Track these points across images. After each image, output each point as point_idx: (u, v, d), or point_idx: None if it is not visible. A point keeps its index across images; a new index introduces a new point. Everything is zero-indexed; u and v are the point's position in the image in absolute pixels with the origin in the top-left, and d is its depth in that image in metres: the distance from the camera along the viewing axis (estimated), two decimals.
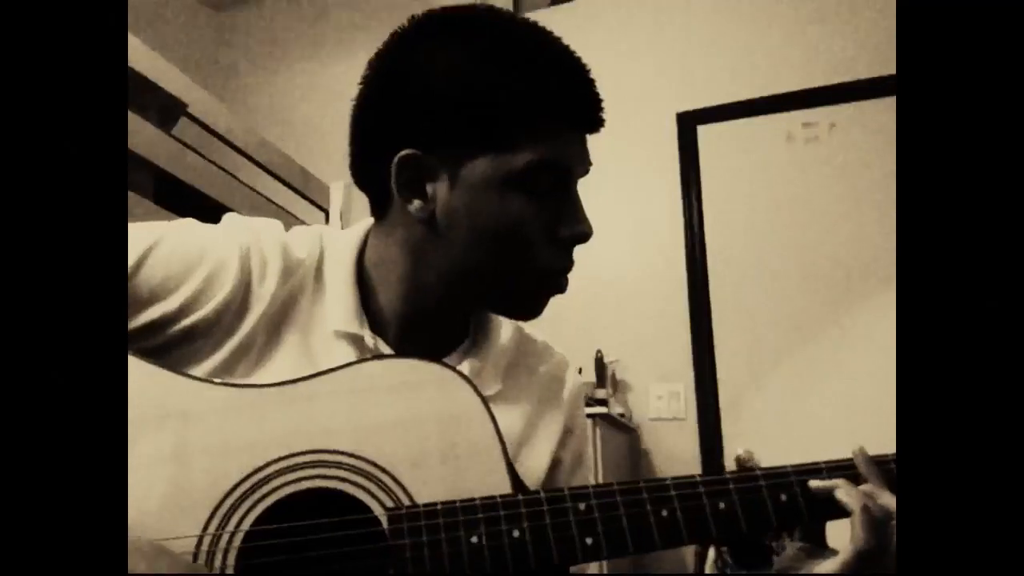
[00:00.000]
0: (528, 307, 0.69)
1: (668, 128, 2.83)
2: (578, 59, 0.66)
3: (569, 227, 0.66)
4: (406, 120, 0.64)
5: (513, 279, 0.67)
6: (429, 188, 0.64)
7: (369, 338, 0.67)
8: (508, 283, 0.67)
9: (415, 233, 0.66)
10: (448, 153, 0.63)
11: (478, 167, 0.63)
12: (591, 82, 0.66)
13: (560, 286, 0.68)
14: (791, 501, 0.58)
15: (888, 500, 0.57)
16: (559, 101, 0.64)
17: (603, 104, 0.66)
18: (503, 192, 0.63)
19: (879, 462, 0.59)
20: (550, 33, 0.66)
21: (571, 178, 0.67)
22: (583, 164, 0.68)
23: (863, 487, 0.58)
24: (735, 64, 2.81)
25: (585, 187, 0.68)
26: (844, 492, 0.57)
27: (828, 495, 0.58)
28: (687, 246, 2.73)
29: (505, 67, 0.63)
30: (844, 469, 0.59)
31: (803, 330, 2.55)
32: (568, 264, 0.68)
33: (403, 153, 0.63)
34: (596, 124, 0.67)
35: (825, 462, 0.60)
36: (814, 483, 0.58)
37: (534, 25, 0.66)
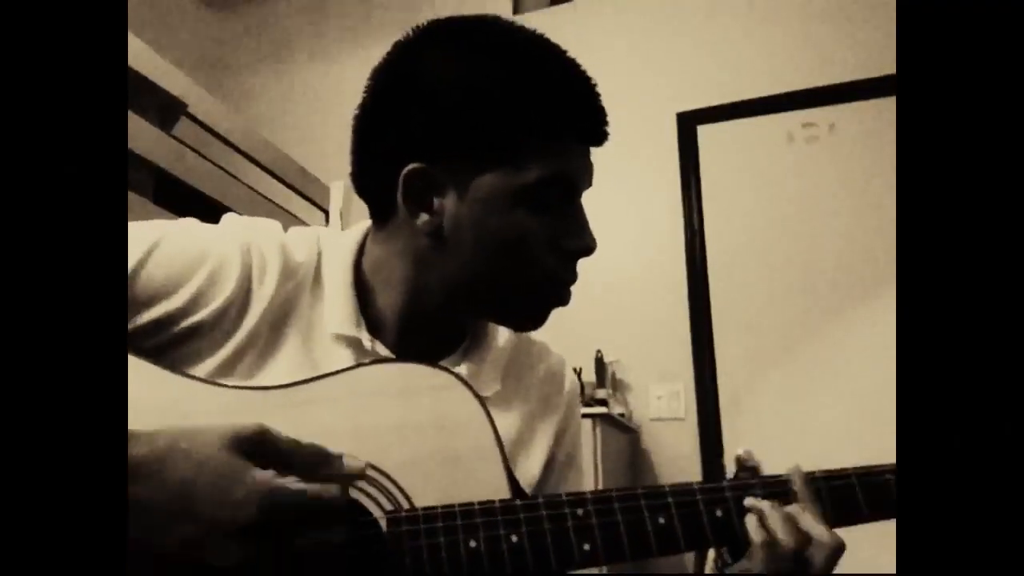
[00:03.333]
0: (530, 318, 0.69)
1: (668, 128, 2.83)
2: (584, 72, 0.66)
3: (574, 240, 0.66)
4: (413, 134, 0.64)
5: (516, 291, 0.67)
6: (436, 202, 0.64)
7: (367, 341, 0.67)
8: (511, 295, 0.67)
9: (419, 243, 0.66)
10: (456, 168, 0.63)
11: (487, 182, 0.63)
12: (597, 96, 0.66)
13: (563, 298, 0.68)
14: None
15: (809, 524, 0.57)
16: (568, 117, 0.64)
17: (608, 119, 0.66)
18: (511, 207, 0.63)
19: (811, 480, 0.60)
20: (556, 45, 0.67)
21: (576, 192, 0.67)
22: (588, 178, 0.68)
23: (790, 508, 0.58)
24: (735, 64, 2.81)
25: None
26: (752, 520, 0.58)
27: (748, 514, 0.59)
28: (687, 246, 2.72)
29: (515, 82, 0.63)
30: (776, 486, 0.60)
31: (803, 330, 2.55)
32: (572, 277, 0.68)
33: (411, 167, 0.63)
34: (602, 138, 0.67)
35: (759, 478, 0.61)
36: (748, 501, 0.59)
37: (540, 37, 0.67)
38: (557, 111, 0.63)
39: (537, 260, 0.65)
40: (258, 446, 0.49)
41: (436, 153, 0.63)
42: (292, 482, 0.49)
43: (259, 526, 0.46)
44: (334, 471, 0.52)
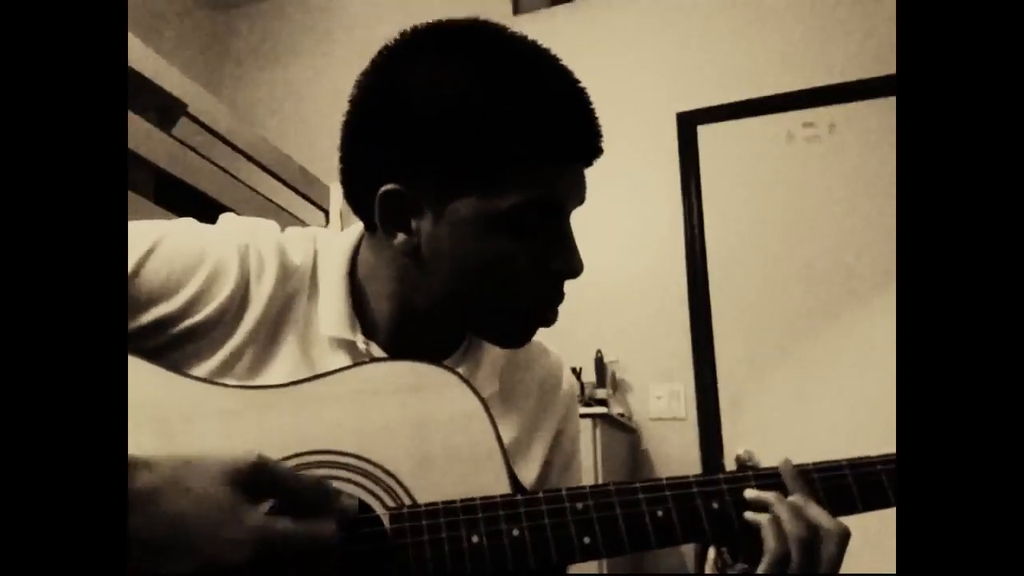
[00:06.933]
0: (513, 338, 0.69)
1: (668, 128, 2.83)
2: (576, 85, 0.63)
3: (559, 263, 0.64)
4: (389, 153, 0.62)
5: (499, 312, 0.66)
6: (413, 223, 0.63)
7: (362, 343, 0.67)
8: (493, 315, 0.66)
9: (401, 260, 0.66)
10: (432, 190, 0.62)
11: (462, 206, 0.61)
12: (590, 111, 0.63)
13: (548, 320, 0.67)
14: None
15: (816, 514, 0.57)
16: (554, 138, 0.61)
17: (601, 134, 0.63)
18: (488, 232, 0.61)
19: (803, 472, 0.60)
20: (548, 55, 0.64)
21: (562, 213, 0.65)
22: (577, 197, 0.65)
23: (791, 499, 0.58)
24: (735, 64, 2.81)
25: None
26: (758, 513, 0.57)
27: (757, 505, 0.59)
28: (687, 246, 2.72)
29: (497, 100, 0.60)
30: (770, 479, 0.60)
31: (803, 330, 2.55)
32: (558, 298, 0.67)
33: (386, 188, 0.62)
34: (593, 156, 0.64)
35: (753, 471, 0.60)
36: (749, 493, 0.59)
37: (531, 47, 0.64)
38: (543, 132, 0.61)
39: (520, 283, 0.63)
40: (256, 479, 0.49)
41: (414, 172, 0.62)
42: (287, 522, 0.49)
43: (252, 566, 0.47)
44: (331, 507, 0.52)
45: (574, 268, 0.65)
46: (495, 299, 0.65)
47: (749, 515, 0.58)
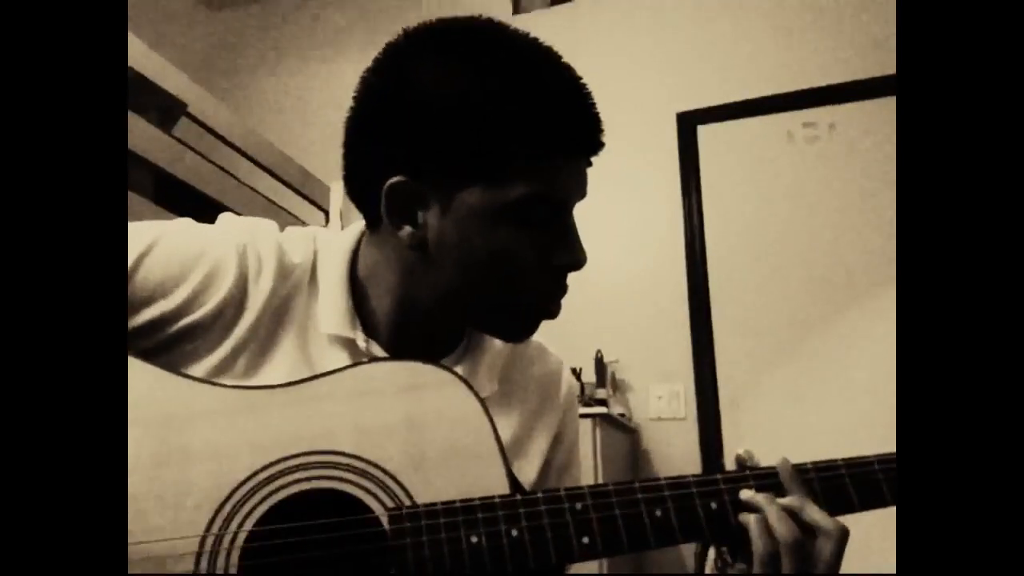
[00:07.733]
0: (517, 331, 0.69)
1: (668, 128, 2.83)
2: (577, 80, 0.64)
3: (562, 256, 0.65)
4: (397, 146, 0.63)
5: (504, 305, 0.66)
6: (420, 215, 0.63)
7: (361, 341, 0.67)
8: (498, 308, 0.67)
9: (406, 254, 0.66)
10: (440, 182, 0.62)
11: (469, 198, 0.62)
12: (591, 106, 0.64)
13: (552, 312, 0.68)
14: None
15: (814, 514, 0.57)
16: (556, 132, 0.62)
17: (603, 127, 0.64)
18: (494, 224, 0.62)
19: (800, 471, 0.60)
20: (549, 51, 0.64)
21: (566, 207, 0.65)
22: (580, 191, 0.66)
23: (787, 500, 0.58)
24: (735, 64, 2.81)
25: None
26: (751, 516, 0.57)
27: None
28: (687, 246, 2.72)
29: (501, 95, 0.60)
30: (768, 478, 0.60)
31: (803, 330, 2.55)
32: (561, 291, 0.67)
33: (393, 180, 0.62)
34: (595, 149, 0.65)
35: (752, 471, 0.60)
36: (743, 494, 0.59)
37: (532, 43, 0.64)
38: (546, 126, 0.61)
39: (524, 276, 0.64)
40: None
41: (420, 166, 0.62)
42: None
43: None
44: None
45: (578, 260, 0.66)
46: (500, 294, 0.65)
47: (741, 516, 0.58)
